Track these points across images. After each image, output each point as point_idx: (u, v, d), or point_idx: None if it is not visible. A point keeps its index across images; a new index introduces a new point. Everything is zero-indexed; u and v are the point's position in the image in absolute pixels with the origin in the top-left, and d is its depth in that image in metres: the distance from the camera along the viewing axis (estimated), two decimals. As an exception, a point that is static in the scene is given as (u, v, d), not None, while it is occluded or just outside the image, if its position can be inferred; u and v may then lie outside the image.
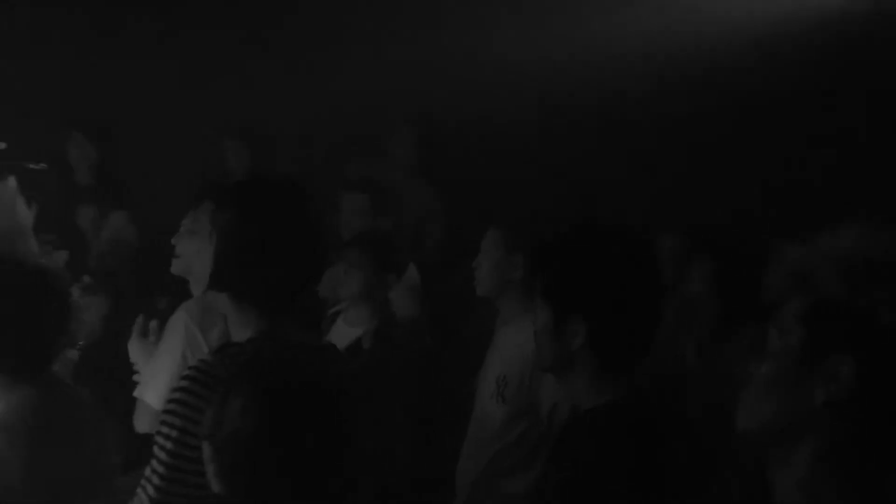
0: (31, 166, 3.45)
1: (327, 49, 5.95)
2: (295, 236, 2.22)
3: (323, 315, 4.10)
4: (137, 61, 6.07)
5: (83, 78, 6.04)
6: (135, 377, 3.17)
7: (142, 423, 2.95)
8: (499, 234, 3.62)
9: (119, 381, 3.24)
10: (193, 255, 3.27)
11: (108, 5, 6.05)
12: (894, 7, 5.71)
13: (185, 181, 3.39)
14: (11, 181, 3.31)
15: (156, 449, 2.12)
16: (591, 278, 2.07)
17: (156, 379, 2.92)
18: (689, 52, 5.45)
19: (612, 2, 5.58)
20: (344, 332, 3.86)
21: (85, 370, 3.77)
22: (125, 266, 4.97)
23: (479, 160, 5.85)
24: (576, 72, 5.47)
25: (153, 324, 3.19)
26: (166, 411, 2.12)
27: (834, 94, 5.59)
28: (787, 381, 1.66)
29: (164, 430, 2.10)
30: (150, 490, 2.10)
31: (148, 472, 2.12)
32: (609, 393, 2.07)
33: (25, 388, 2.39)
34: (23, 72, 5.82)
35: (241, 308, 2.24)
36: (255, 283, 2.22)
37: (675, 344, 3.90)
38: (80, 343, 3.94)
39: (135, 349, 3.24)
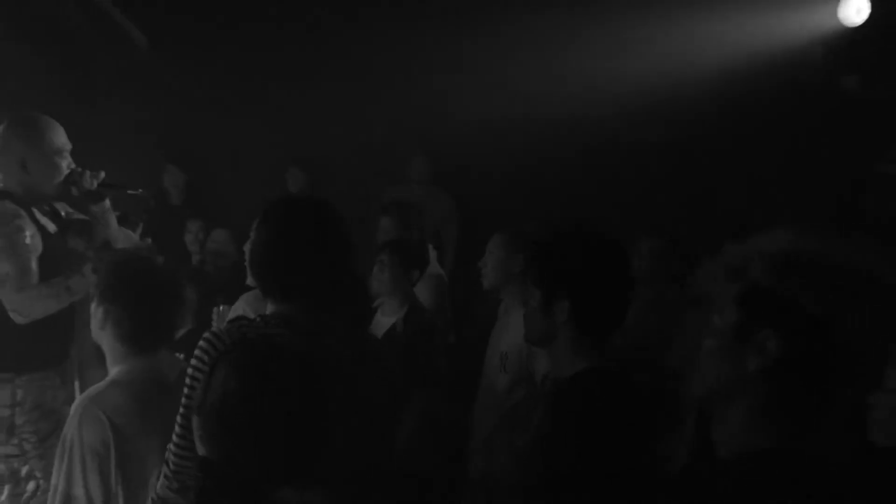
0: (130, 192, 3.51)
1: (361, 96, 6.07)
2: (307, 242, 2.20)
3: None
4: (218, 109, 6.24)
5: (176, 121, 6.23)
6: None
7: None
8: (502, 238, 3.68)
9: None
10: None
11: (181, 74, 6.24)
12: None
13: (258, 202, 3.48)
14: (107, 202, 3.39)
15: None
16: (575, 268, 2.15)
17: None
18: (660, 91, 5.49)
19: (596, 49, 5.59)
20: (382, 322, 3.89)
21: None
22: (223, 273, 5.08)
23: (487, 179, 5.93)
24: (568, 107, 5.52)
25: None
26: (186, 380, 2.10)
27: (771, 133, 5.68)
28: (726, 352, 1.68)
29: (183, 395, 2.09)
30: (171, 446, 2.09)
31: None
32: (584, 363, 2.12)
33: (146, 357, 2.45)
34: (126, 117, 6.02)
35: (266, 297, 2.24)
36: (271, 277, 2.22)
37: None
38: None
39: None
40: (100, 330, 2.47)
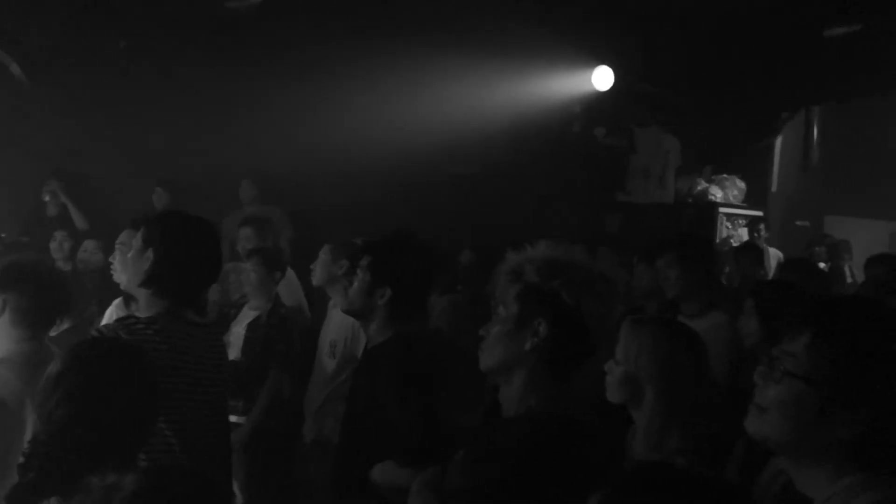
0: None
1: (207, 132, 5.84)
2: (193, 255, 2.13)
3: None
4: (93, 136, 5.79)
5: (66, 141, 5.72)
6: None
7: None
8: (329, 247, 3.66)
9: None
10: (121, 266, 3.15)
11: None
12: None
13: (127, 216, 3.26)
14: None
15: None
16: (399, 261, 2.21)
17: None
18: (465, 134, 5.65)
19: (417, 97, 5.68)
20: (248, 315, 3.80)
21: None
22: (91, 277, 4.70)
23: (319, 201, 5.86)
24: (390, 141, 5.54)
25: None
26: None
27: (545, 168, 6.00)
28: (509, 335, 1.74)
29: None
30: None
31: None
32: (390, 334, 2.19)
33: (34, 342, 2.29)
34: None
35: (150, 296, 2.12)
36: (167, 280, 2.11)
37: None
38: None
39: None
40: None
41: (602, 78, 6.02)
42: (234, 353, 3.57)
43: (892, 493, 1.18)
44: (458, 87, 5.62)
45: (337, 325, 3.45)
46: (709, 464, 1.90)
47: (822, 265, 5.90)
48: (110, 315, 3.08)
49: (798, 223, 7.44)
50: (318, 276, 3.67)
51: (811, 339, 1.21)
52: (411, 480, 1.93)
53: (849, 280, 6.03)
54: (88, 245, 4.63)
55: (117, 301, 3.14)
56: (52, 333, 3.64)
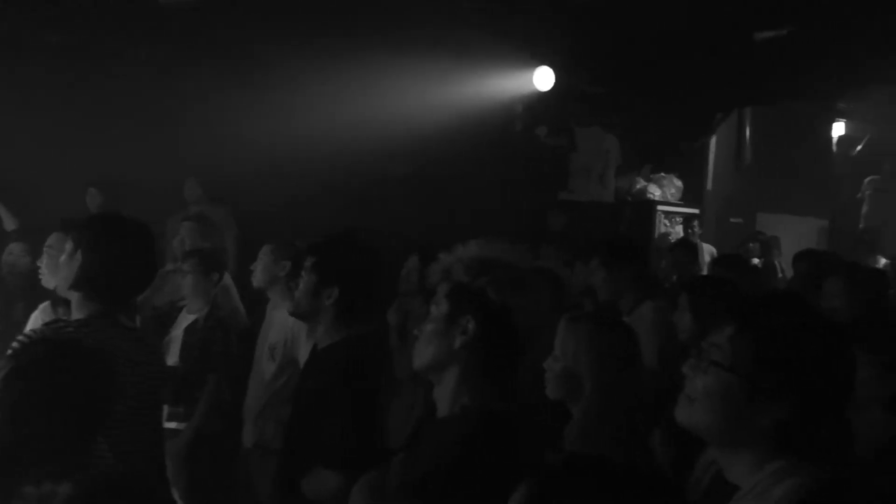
0: None
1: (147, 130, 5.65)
2: (125, 257, 2.05)
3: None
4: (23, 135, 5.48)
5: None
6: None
7: None
8: (269, 248, 3.55)
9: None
10: (50, 270, 3.01)
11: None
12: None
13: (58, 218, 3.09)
14: None
15: None
16: (345, 261, 2.19)
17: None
18: (408, 135, 5.61)
19: (361, 99, 5.63)
20: (186, 319, 3.67)
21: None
22: (17, 281, 4.47)
23: (259, 201, 5.72)
24: (331, 143, 5.46)
25: None
26: None
27: (488, 167, 6.01)
28: (439, 333, 1.73)
29: None
30: None
31: None
32: (337, 338, 2.16)
33: None
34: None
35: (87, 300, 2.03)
36: (97, 284, 2.02)
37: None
38: None
39: None
40: None
41: (543, 78, 6.07)
42: (172, 359, 3.45)
43: (813, 478, 1.20)
44: (400, 86, 5.59)
45: (277, 327, 3.37)
46: (643, 457, 1.92)
47: (755, 261, 6.08)
48: (36, 319, 2.93)
49: (732, 220, 7.65)
50: (258, 277, 3.57)
51: (734, 331, 1.25)
52: (339, 484, 1.90)
53: (780, 275, 6.22)
54: (14, 248, 4.43)
55: (44, 305, 2.99)
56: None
